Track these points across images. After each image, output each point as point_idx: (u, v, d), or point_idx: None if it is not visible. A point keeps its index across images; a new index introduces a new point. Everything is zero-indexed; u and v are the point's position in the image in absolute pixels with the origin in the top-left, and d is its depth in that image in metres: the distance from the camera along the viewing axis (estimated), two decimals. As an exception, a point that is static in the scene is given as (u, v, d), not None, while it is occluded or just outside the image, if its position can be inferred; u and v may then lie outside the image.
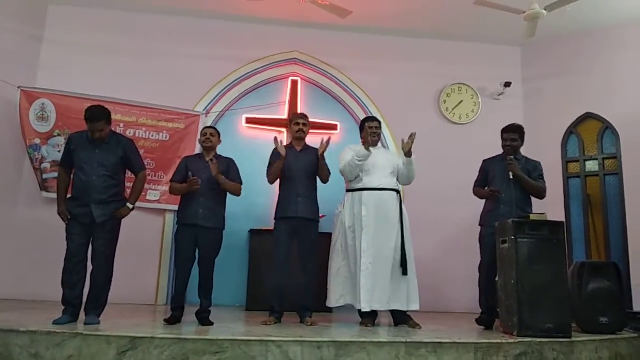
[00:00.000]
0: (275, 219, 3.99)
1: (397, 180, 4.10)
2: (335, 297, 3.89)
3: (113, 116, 5.30)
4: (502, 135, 4.10)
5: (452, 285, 5.45)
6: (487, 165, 4.20)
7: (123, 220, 3.51)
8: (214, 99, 5.73)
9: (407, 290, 3.86)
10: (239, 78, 5.82)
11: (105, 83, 5.43)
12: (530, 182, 3.92)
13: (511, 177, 3.83)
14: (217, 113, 5.71)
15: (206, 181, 3.68)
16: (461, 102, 6.10)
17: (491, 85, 6.11)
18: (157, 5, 5.63)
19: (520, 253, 3.37)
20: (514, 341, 3.12)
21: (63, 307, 3.29)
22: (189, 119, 5.51)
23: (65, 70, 5.47)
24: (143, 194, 4.81)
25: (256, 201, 5.29)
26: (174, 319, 3.55)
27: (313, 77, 6.00)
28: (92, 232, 3.38)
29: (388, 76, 6.02)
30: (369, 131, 4.03)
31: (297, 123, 4.10)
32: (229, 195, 3.87)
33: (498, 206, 3.96)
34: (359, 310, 3.79)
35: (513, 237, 3.41)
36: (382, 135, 5.72)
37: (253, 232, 5.27)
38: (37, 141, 5.17)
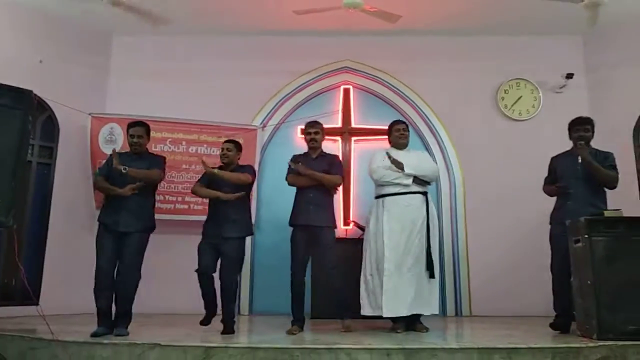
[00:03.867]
0: (290, 225, 3.98)
1: (425, 181, 4.02)
2: (365, 307, 3.87)
3: (175, 135, 5.63)
4: (571, 128, 3.92)
5: (523, 288, 5.24)
6: (555, 162, 4.03)
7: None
8: (270, 112, 5.87)
9: (432, 296, 3.80)
10: (293, 90, 5.94)
11: (167, 104, 5.72)
12: (600, 168, 3.69)
13: (579, 160, 3.65)
14: (273, 126, 5.85)
15: (227, 191, 3.76)
16: (520, 97, 5.89)
17: (551, 78, 5.86)
18: (211, 27, 5.86)
19: (596, 252, 3.21)
20: (594, 345, 2.96)
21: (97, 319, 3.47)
22: (247, 133, 5.68)
23: (131, 95, 5.80)
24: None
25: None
26: (205, 320, 3.80)
27: (365, 83, 6.01)
28: (120, 243, 3.53)
29: (441, 77, 5.93)
30: (396, 134, 4.06)
31: (309, 132, 4.06)
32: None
33: (565, 202, 3.79)
34: (381, 316, 3.74)
35: (587, 236, 3.24)
36: (439, 137, 5.74)
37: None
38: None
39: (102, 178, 3.68)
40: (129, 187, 3.53)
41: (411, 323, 3.80)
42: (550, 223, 3.93)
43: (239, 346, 2.93)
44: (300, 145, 5.79)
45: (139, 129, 3.76)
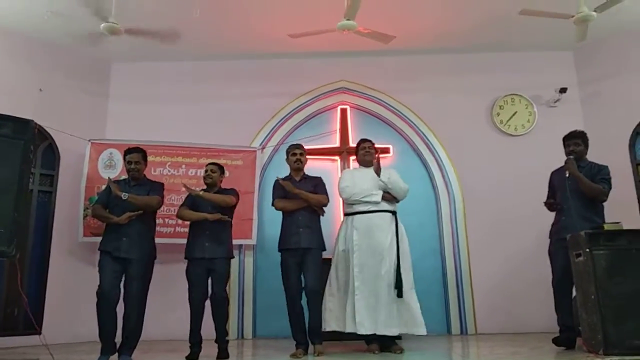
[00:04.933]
0: (279, 250, 3.99)
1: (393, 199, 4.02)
2: (330, 323, 3.83)
3: (174, 159, 5.66)
4: (564, 143, 3.97)
5: (525, 304, 5.23)
6: (553, 177, 4.08)
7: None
8: (268, 134, 5.91)
9: (409, 315, 3.74)
10: (290, 112, 5.99)
11: (166, 128, 5.78)
12: (586, 182, 3.71)
13: (567, 175, 3.68)
14: (272, 147, 5.89)
15: (211, 212, 3.78)
16: (515, 113, 5.96)
17: (545, 92, 5.94)
18: (208, 52, 5.95)
19: (598, 266, 3.22)
20: (601, 360, 2.95)
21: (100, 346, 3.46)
22: (247, 155, 5.71)
23: (131, 120, 5.86)
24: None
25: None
26: (192, 355, 3.64)
27: (361, 103, 6.07)
28: (124, 271, 3.53)
29: (437, 94, 6.00)
30: (362, 152, 4.13)
31: (294, 154, 4.11)
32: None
33: (559, 218, 3.84)
34: (364, 337, 3.72)
35: (588, 250, 3.26)
36: (437, 154, 5.77)
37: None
38: (104, 187, 5.50)
39: (100, 206, 3.70)
40: (127, 215, 3.54)
41: (386, 344, 3.77)
42: (549, 238, 3.95)
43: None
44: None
45: (135, 155, 3.80)
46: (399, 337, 3.78)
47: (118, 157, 5.55)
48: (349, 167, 5.84)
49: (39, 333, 3.57)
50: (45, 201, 5.36)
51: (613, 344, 3.07)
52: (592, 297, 3.21)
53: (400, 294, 3.71)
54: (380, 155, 4.12)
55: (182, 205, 4.03)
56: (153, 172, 5.54)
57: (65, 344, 4.72)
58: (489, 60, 6.08)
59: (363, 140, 4.27)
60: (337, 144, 5.91)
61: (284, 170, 4.30)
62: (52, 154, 5.45)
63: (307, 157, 5.77)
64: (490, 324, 5.26)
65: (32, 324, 4.13)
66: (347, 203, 4.06)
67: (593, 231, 3.35)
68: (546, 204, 3.89)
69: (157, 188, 3.83)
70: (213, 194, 3.89)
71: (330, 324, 3.83)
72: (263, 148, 5.84)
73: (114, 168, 5.53)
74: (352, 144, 5.92)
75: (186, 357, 3.61)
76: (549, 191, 4.09)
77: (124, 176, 5.37)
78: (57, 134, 5.36)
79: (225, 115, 5.91)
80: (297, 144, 4.24)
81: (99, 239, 5.34)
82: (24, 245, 5.01)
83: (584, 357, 3.04)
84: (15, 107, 3.74)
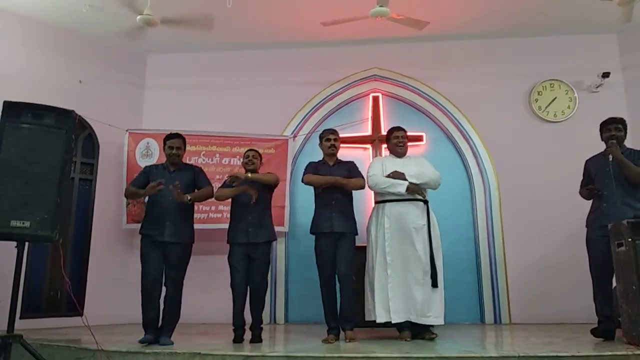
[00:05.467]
0: (312, 233, 3.98)
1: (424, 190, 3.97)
2: (369, 313, 3.82)
3: (209, 148, 5.77)
4: (602, 129, 3.83)
5: (563, 294, 5.11)
6: (589, 165, 3.93)
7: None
8: (300, 122, 5.94)
9: (432, 304, 3.70)
10: (322, 100, 5.99)
11: (200, 118, 5.88)
12: (632, 166, 3.56)
13: (610, 159, 3.54)
14: (304, 136, 5.91)
15: (249, 198, 3.79)
16: (555, 99, 5.77)
17: (587, 78, 5.72)
18: (242, 42, 6.00)
19: (640, 256, 3.10)
20: (642, 353, 2.86)
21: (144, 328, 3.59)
22: (279, 143, 5.76)
23: (166, 110, 6.01)
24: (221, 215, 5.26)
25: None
26: (238, 338, 3.69)
27: (394, 90, 6.01)
28: (165, 255, 3.61)
29: (472, 81, 5.87)
30: (394, 141, 4.04)
31: (329, 139, 4.08)
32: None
33: (600, 205, 3.69)
34: (386, 323, 3.71)
35: (630, 240, 3.15)
36: (472, 142, 5.67)
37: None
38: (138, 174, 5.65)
39: (134, 187, 3.75)
40: (179, 193, 3.60)
41: (417, 331, 3.75)
42: (587, 226, 3.82)
43: (276, 355, 2.96)
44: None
45: (177, 140, 3.88)
46: (431, 324, 3.76)
47: (155, 146, 5.70)
48: (381, 155, 5.79)
49: (81, 315, 3.71)
50: (86, 189, 5.57)
51: (655, 336, 2.98)
52: (634, 287, 3.10)
53: (435, 284, 3.70)
54: (411, 144, 4.04)
55: (220, 187, 4.07)
56: (188, 161, 5.65)
57: (105, 325, 4.90)
58: (526, 45, 5.90)
59: (396, 129, 4.19)
60: (369, 132, 5.87)
61: (316, 158, 4.29)
62: (91, 143, 5.64)
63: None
64: (525, 314, 5.17)
65: (74, 306, 4.30)
66: (374, 191, 4.03)
67: (636, 220, 3.23)
68: (588, 189, 3.75)
69: (203, 177, 3.90)
70: (258, 174, 3.94)
71: (370, 313, 3.84)
72: (295, 136, 5.87)
73: (150, 157, 5.68)
74: (384, 132, 5.89)
75: (233, 341, 3.68)
76: (583, 179, 3.96)
77: (155, 163, 5.60)
78: (96, 124, 5.54)
79: (257, 104, 5.96)
80: (331, 129, 4.21)
81: (139, 225, 5.59)
82: (67, 231, 5.23)
83: (623, 349, 2.94)
84: (57, 99, 3.86)
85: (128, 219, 5.51)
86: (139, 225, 3.80)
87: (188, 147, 5.75)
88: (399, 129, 4.18)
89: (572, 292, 4.92)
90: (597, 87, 5.68)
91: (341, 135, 5.77)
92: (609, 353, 2.85)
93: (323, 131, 4.23)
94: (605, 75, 5.58)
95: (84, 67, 5.69)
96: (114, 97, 5.86)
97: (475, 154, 5.69)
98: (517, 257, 5.36)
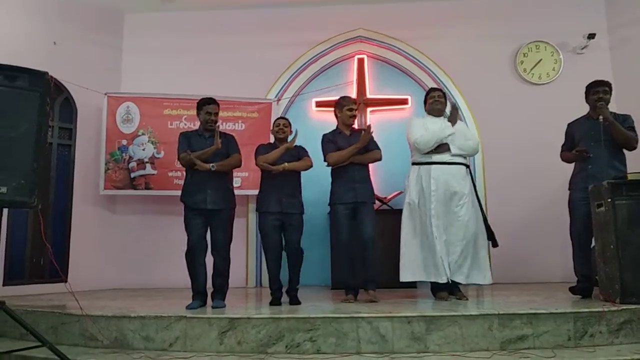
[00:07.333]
0: (331, 204, 3.95)
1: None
2: (405, 274, 3.86)
3: (189, 112, 5.65)
4: (589, 91, 3.83)
5: (543, 255, 5.23)
6: (572, 128, 3.94)
7: None
8: (284, 85, 5.83)
9: (481, 264, 3.81)
10: (306, 62, 5.87)
11: (181, 81, 5.72)
12: (621, 129, 3.61)
13: (601, 119, 3.56)
14: (288, 99, 5.81)
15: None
16: (540, 60, 5.73)
17: (572, 39, 5.68)
18: (223, 1, 5.80)
19: (619, 216, 3.17)
20: (617, 309, 2.95)
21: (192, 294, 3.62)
22: (262, 107, 5.66)
23: (145, 73, 5.83)
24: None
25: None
26: (275, 301, 3.73)
27: (379, 52, 5.90)
28: (209, 222, 3.62)
29: (457, 42, 5.79)
30: (431, 101, 4.05)
31: (351, 109, 4.03)
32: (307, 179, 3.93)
33: (586, 166, 3.73)
34: (433, 285, 3.80)
35: (610, 200, 3.20)
36: (459, 106, 5.63)
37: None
38: (124, 142, 5.53)
39: (187, 154, 3.63)
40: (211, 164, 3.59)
41: (451, 292, 3.83)
42: (570, 188, 3.87)
43: (262, 317, 2.99)
44: (316, 117, 5.77)
45: (214, 106, 3.77)
46: (478, 283, 3.86)
47: (135, 110, 5.57)
48: (365, 119, 5.75)
49: (65, 281, 3.68)
50: (65, 154, 5.44)
51: (630, 293, 3.07)
52: (612, 246, 3.18)
53: (495, 243, 3.84)
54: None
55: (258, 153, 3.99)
56: (170, 126, 5.56)
57: (89, 291, 4.91)
58: (512, 6, 5.82)
59: (433, 90, 4.21)
60: (354, 95, 5.79)
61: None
62: (69, 108, 5.47)
63: (322, 109, 5.77)
64: (506, 274, 5.25)
65: (58, 272, 4.27)
66: (422, 153, 3.93)
67: (616, 181, 3.27)
68: (577, 151, 3.76)
69: (234, 145, 3.82)
70: (294, 162, 3.88)
71: (405, 274, 3.85)
72: (279, 100, 5.77)
73: (131, 122, 5.56)
74: (370, 94, 5.84)
75: (270, 303, 3.71)
76: (565, 143, 3.98)
77: (142, 130, 5.49)
78: (73, 88, 5.36)
79: (240, 66, 5.81)
80: (352, 98, 4.23)
81: (119, 192, 5.53)
82: (47, 197, 5.14)
83: (600, 306, 3.03)
84: (30, 61, 3.70)
85: (107, 185, 5.43)
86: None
87: (170, 112, 5.71)
88: (435, 89, 4.23)
89: (552, 252, 5.03)
90: (582, 49, 5.65)
91: (325, 98, 5.79)
92: (586, 310, 2.93)
93: (343, 98, 4.14)
94: (591, 36, 5.54)
95: (58, 27, 5.44)
96: (91, 59, 5.65)
97: (460, 117, 5.66)
98: (499, 219, 5.40)
